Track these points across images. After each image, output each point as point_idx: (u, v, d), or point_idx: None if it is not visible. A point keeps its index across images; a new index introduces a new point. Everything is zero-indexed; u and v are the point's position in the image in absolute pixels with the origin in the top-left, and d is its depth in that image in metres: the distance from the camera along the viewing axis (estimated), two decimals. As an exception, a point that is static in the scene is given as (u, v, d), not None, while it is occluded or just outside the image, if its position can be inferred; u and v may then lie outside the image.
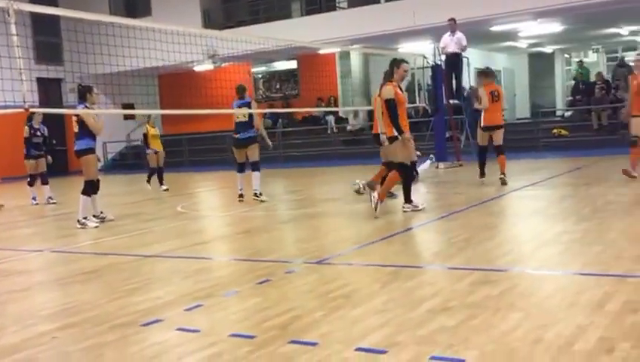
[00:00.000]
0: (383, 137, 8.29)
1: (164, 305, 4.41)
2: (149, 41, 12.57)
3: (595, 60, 28.84)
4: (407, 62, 8.18)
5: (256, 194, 10.49)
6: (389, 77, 8.10)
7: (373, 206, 7.88)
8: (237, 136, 10.50)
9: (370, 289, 4.46)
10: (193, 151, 24.25)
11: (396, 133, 7.90)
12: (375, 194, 7.91)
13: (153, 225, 8.75)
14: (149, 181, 14.70)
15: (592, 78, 20.26)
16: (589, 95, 19.19)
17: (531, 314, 3.67)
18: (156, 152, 14.48)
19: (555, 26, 20.61)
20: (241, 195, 10.65)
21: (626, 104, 10.24)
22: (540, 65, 28.96)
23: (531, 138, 18.71)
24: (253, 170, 10.52)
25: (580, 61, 23.70)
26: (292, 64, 24.90)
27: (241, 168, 10.70)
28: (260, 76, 25.92)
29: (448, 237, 6.43)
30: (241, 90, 10.57)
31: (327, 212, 9.01)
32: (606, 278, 4.36)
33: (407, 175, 8.15)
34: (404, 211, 8.10)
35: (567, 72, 28.34)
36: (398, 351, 3.21)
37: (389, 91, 7.94)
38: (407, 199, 8.18)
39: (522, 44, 25.31)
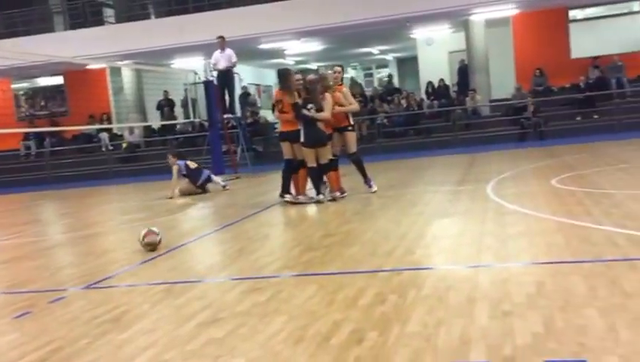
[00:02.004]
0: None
1: None
2: None
3: (355, 76, 31.01)
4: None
5: None
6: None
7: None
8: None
9: (139, 309, 4.33)
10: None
11: None
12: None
13: None
14: None
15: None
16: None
17: (294, 316, 3.82)
18: None
19: (317, 45, 21.88)
20: None
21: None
22: (307, 80, 30.47)
23: (302, 149, 19.50)
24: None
25: (351, 78, 25.49)
26: (58, 80, 23.38)
27: None
28: (21, 93, 23.95)
29: (222, 249, 6.49)
30: None
31: (99, 233, 8.58)
32: (360, 275, 4.69)
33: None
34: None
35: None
36: (165, 369, 3.15)
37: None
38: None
39: (289, 60, 26.43)
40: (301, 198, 9.14)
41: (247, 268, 5.37)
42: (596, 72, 18.65)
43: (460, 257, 5.05)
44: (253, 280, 4.85)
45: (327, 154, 8.95)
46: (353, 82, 24.34)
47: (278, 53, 23.20)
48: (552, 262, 4.53)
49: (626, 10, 19.55)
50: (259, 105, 23.22)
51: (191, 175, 12.28)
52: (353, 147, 9.34)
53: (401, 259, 5.06)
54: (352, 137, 9.35)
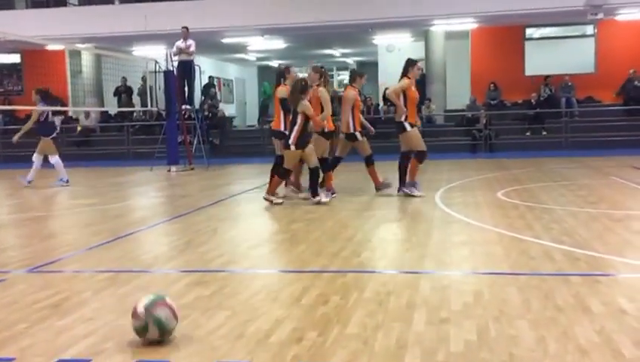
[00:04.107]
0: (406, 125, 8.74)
1: None
2: None
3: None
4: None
5: None
6: (406, 74, 8.69)
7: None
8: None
9: (81, 297, 4.24)
10: None
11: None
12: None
13: None
14: None
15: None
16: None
17: (237, 312, 3.81)
18: None
19: (279, 43, 21.84)
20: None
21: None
22: (269, 77, 30.33)
23: (259, 144, 19.47)
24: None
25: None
26: (15, 58, 22.70)
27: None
28: (-24, 69, 23.21)
29: (170, 241, 6.42)
30: None
31: (46, 216, 8.38)
32: (306, 274, 4.71)
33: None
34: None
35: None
36: (102, 359, 3.10)
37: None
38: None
39: (251, 56, 26.32)
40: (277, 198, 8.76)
41: (193, 261, 5.33)
42: (547, 90, 19.12)
43: (403, 262, 5.12)
44: (199, 274, 4.82)
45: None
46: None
47: (240, 48, 23.08)
48: (490, 273, 4.63)
49: (579, 33, 20.11)
50: (219, 98, 23.06)
51: (43, 127, 12.06)
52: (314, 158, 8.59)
53: (347, 261, 5.09)
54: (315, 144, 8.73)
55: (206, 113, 19.76)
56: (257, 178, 12.83)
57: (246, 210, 8.79)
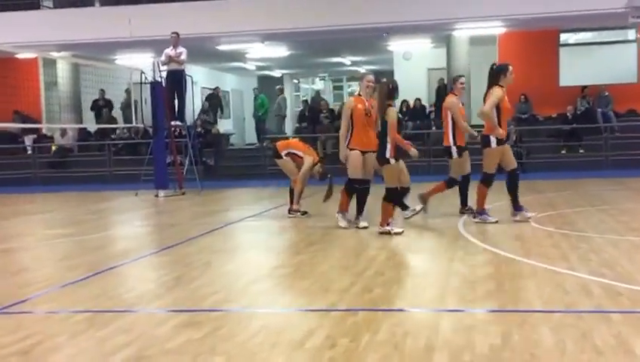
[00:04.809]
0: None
1: None
2: None
3: (322, 88, 31.27)
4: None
5: None
6: (496, 82, 8.70)
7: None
8: None
9: (55, 341, 4.28)
10: None
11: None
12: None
13: None
14: None
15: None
16: (315, 123, 20.71)
17: (232, 357, 3.84)
18: None
19: (282, 51, 22.01)
20: None
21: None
22: (269, 88, 30.57)
23: (259, 165, 19.54)
24: None
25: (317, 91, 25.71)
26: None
27: None
28: None
29: (157, 276, 6.45)
30: None
31: (16, 249, 8.44)
32: (311, 313, 4.73)
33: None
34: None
35: (297, 98, 30.30)
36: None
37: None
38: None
39: (251, 65, 26.53)
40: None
41: (183, 299, 5.36)
42: (585, 103, 19.14)
43: (421, 299, 5.13)
44: (190, 314, 4.84)
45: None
46: (317, 95, 24.50)
47: (238, 56, 23.27)
48: (520, 311, 4.64)
49: (620, 38, 20.21)
50: (219, 113, 23.15)
51: None
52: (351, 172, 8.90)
53: (358, 298, 5.11)
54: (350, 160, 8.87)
55: (199, 130, 19.90)
56: (257, 203, 12.89)
57: (244, 240, 8.81)
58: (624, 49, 20.11)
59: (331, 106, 23.50)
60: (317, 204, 10.38)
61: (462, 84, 9.72)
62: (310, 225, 9.31)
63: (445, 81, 20.26)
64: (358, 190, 8.90)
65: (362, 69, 29.10)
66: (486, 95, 8.79)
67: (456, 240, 7.65)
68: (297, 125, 22.39)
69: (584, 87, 19.27)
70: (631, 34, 20.06)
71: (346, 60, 26.10)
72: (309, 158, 10.08)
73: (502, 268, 6.04)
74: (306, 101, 23.49)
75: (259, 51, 21.78)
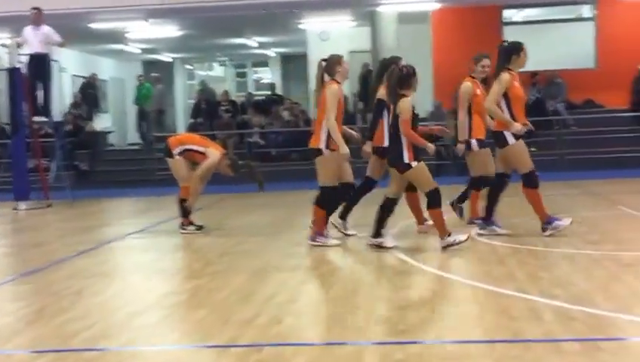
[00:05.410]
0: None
1: None
2: None
3: (222, 75, 31.15)
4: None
5: None
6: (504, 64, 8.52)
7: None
8: None
9: None
10: None
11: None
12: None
13: None
14: None
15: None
16: (213, 117, 20.62)
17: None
18: None
19: (171, 30, 21.83)
20: None
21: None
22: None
23: (144, 169, 19.26)
24: None
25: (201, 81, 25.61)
26: None
27: None
28: None
29: (15, 308, 6.27)
30: None
31: None
32: (207, 350, 4.70)
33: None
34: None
35: (191, 87, 30.08)
36: None
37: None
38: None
39: (134, 48, 26.16)
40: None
41: (48, 336, 5.23)
42: (535, 93, 19.47)
43: (342, 330, 5.15)
44: (56, 354, 4.74)
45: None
46: (203, 86, 24.32)
47: (118, 37, 22.92)
48: (459, 341, 4.72)
49: (574, 16, 20.83)
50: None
51: None
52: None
53: (264, 331, 5.10)
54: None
55: (69, 127, 19.48)
56: (143, 216, 12.73)
57: (126, 262, 8.70)
58: (579, 28, 20.64)
59: (233, 97, 23.43)
60: (215, 216, 10.33)
61: (484, 67, 9.28)
62: (208, 243, 9.24)
63: (370, 66, 20.46)
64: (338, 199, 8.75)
65: (271, 52, 29.20)
66: (491, 82, 8.78)
67: (383, 257, 7.73)
68: (192, 120, 22.20)
69: (534, 74, 19.63)
70: (587, 10, 20.63)
71: (252, 42, 26.07)
72: (214, 152, 9.91)
73: (438, 291, 6.15)
74: (203, 91, 23.30)
75: (143, 31, 21.54)
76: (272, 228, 10.34)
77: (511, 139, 8.51)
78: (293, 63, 29.47)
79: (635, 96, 19.42)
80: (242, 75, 31.98)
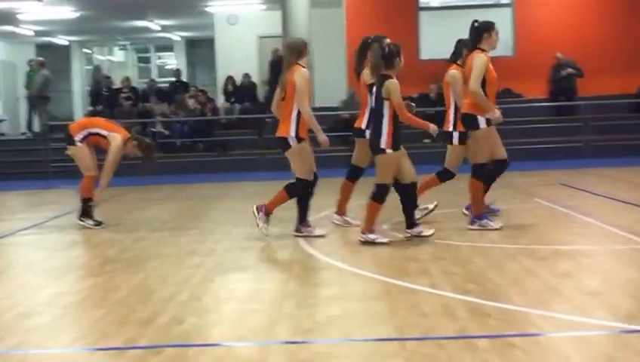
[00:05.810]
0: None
1: None
2: None
3: (124, 60, 30.71)
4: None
5: None
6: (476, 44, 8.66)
7: None
8: None
9: None
10: None
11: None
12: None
13: None
14: None
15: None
16: (114, 106, 20.33)
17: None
18: None
19: (67, 11, 21.46)
20: None
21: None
22: (52, 61, 29.57)
23: (37, 161, 18.87)
24: None
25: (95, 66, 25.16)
26: None
27: None
28: None
29: None
30: None
31: None
32: (102, 353, 4.66)
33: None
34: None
35: (89, 73, 29.58)
36: None
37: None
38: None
39: (26, 30, 25.57)
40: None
41: None
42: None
43: (246, 329, 5.16)
44: None
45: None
46: (96, 70, 24.01)
47: (8, 18, 22.37)
48: (369, 339, 4.78)
49: (492, 2, 21.25)
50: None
51: None
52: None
53: (164, 331, 5.07)
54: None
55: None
56: (35, 211, 12.47)
57: (16, 260, 8.52)
58: (497, 14, 20.95)
59: (134, 84, 23.14)
60: (115, 211, 10.19)
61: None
62: (107, 239, 9.13)
63: (281, 53, 20.45)
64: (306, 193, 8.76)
65: (175, 36, 28.93)
66: (464, 63, 8.88)
67: (293, 253, 7.76)
68: (91, 108, 21.84)
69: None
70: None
71: (154, 25, 25.78)
72: (116, 136, 9.72)
73: (348, 288, 6.19)
74: (109, 78, 22.96)
75: (36, 12, 21.08)
76: (175, 223, 10.28)
77: (482, 124, 8.62)
78: (199, 48, 29.28)
79: (553, 85, 19.96)
80: (145, 60, 31.61)
